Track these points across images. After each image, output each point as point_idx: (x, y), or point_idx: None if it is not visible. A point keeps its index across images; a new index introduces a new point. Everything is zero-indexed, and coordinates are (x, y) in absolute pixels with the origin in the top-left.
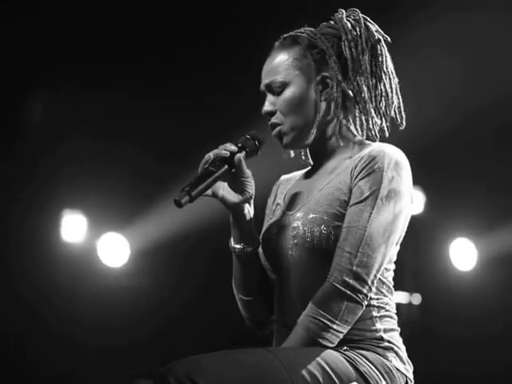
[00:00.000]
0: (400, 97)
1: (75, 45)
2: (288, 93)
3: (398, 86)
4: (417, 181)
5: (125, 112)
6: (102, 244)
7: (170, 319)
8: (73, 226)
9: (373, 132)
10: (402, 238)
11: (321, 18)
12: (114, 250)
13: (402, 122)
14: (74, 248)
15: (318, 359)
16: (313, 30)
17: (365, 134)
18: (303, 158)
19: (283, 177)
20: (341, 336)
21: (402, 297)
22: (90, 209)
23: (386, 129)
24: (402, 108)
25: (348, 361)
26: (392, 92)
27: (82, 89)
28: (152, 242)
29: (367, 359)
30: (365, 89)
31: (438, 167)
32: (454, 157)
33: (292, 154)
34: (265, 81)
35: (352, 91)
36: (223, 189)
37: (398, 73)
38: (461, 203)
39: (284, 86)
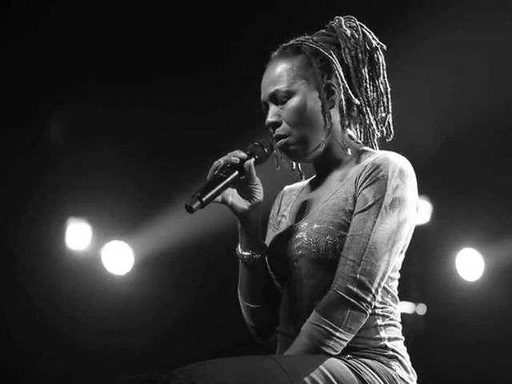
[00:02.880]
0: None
1: (81, 58)
2: (294, 102)
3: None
4: (423, 190)
5: (129, 124)
6: (106, 252)
7: (173, 326)
8: (78, 234)
9: (372, 142)
10: (406, 247)
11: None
12: (119, 258)
13: (391, 133)
14: (78, 256)
15: (321, 367)
16: (313, 37)
17: (366, 142)
18: (294, 169)
19: (286, 187)
20: (344, 344)
21: (407, 307)
22: (95, 217)
23: (376, 139)
24: (391, 119)
25: (351, 369)
26: (388, 102)
27: (87, 102)
28: (156, 250)
29: (371, 368)
30: (365, 98)
31: (444, 177)
32: (460, 166)
33: (287, 166)
34: (268, 90)
35: (357, 98)
36: (232, 195)
37: (405, 80)
38: (467, 213)
39: (289, 95)
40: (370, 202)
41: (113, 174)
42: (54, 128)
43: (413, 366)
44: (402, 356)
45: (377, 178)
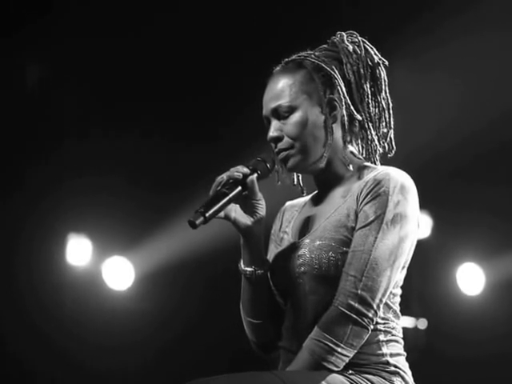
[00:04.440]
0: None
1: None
2: (296, 117)
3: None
4: (424, 205)
5: (128, 147)
6: (106, 267)
7: (173, 341)
8: (78, 250)
9: (373, 158)
10: (408, 263)
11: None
12: (119, 274)
13: (392, 148)
14: (79, 271)
15: (323, 383)
16: (315, 53)
17: (367, 158)
18: (295, 185)
19: (288, 203)
20: (346, 360)
21: (408, 321)
22: (95, 232)
23: (378, 155)
24: (393, 134)
25: None
26: (390, 117)
27: (84, 129)
28: (156, 265)
29: (373, 383)
30: (367, 114)
31: (445, 191)
32: (461, 181)
33: (288, 181)
34: (270, 105)
35: (359, 113)
36: (235, 211)
37: (408, 95)
38: (468, 228)
39: (292, 110)
40: (372, 218)
41: (113, 191)
42: (56, 152)
43: (415, 381)
44: (404, 371)
45: (378, 193)
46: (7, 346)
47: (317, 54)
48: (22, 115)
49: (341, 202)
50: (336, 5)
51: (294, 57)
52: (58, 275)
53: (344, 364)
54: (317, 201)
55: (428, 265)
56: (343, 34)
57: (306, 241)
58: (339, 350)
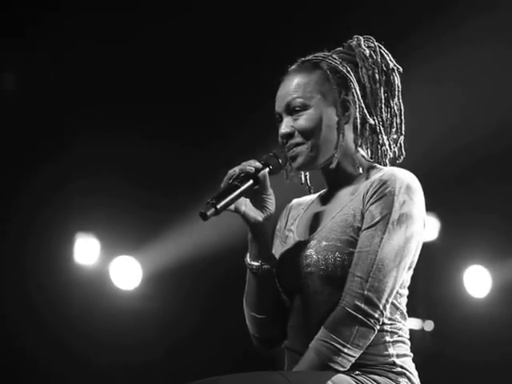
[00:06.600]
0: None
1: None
2: (310, 115)
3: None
4: (431, 207)
5: (137, 151)
6: (114, 267)
7: (180, 341)
8: (86, 249)
9: (383, 162)
10: (414, 263)
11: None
12: (127, 273)
13: (402, 154)
14: (87, 270)
15: (329, 383)
16: (331, 54)
17: (375, 159)
18: (303, 183)
19: (294, 200)
20: (352, 360)
21: (414, 323)
22: (103, 232)
23: (388, 160)
24: (403, 140)
25: None
26: (402, 123)
27: (93, 130)
28: (164, 265)
29: None
30: (379, 118)
31: (453, 194)
32: (469, 184)
33: (296, 179)
34: (284, 101)
35: (371, 117)
36: (245, 205)
37: (421, 95)
38: (476, 230)
39: (305, 107)
40: (377, 218)
41: (121, 191)
42: (64, 157)
43: (421, 382)
44: (411, 372)
45: (384, 193)
46: (15, 344)
47: (333, 55)
48: (27, 115)
49: (347, 201)
50: (346, 7)
51: (310, 57)
52: (66, 274)
53: (350, 364)
54: (324, 199)
55: (435, 267)
56: (360, 38)
57: (313, 241)
58: (345, 350)
